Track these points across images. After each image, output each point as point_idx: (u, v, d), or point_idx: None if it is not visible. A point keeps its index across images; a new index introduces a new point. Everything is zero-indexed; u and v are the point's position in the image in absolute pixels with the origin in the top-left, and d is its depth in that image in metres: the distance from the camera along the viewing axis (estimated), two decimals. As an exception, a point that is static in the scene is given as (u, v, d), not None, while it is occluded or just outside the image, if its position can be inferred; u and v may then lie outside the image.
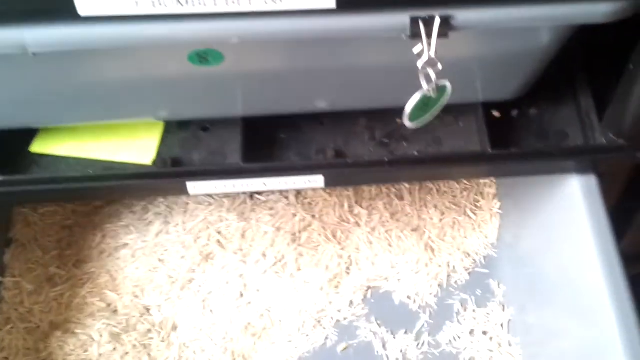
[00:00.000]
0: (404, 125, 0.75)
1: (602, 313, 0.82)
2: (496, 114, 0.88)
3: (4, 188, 0.82)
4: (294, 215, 1.11)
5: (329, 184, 0.85)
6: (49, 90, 0.76)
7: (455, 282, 1.09)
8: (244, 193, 1.10)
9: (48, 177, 0.83)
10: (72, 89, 0.76)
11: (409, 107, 0.72)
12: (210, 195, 1.10)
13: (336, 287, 1.08)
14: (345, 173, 0.86)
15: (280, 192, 1.11)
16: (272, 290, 1.07)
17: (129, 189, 0.87)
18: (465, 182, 1.14)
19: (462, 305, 1.07)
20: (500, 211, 1.12)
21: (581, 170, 0.88)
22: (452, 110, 0.87)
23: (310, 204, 1.12)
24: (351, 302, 1.07)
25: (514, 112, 0.89)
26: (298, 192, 1.10)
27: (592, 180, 0.88)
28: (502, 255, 1.11)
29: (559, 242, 0.95)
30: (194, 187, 0.83)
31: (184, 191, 0.84)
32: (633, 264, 0.87)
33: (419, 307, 1.07)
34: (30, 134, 0.86)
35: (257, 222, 1.10)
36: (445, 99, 0.73)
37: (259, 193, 1.12)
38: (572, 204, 0.89)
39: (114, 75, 0.74)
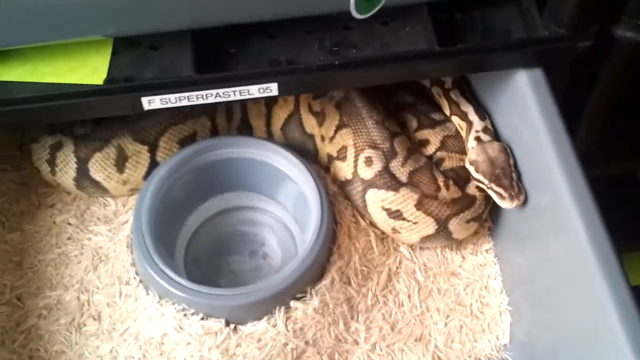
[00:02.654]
0: (352, 33, 0.79)
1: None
2: (442, 17, 0.90)
3: None
4: (285, 344, 0.96)
5: (283, 91, 0.87)
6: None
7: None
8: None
9: (2, 98, 0.83)
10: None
11: None
12: (189, 334, 0.96)
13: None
14: (297, 79, 0.87)
15: (267, 319, 0.97)
16: None
17: (84, 106, 0.86)
18: (467, 276, 1.08)
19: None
20: (509, 307, 1.05)
21: (527, 63, 0.92)
22: (399, 17, 0.89)
23: (301, 328, 0.97)
24: None
25: (458, 15, 0.91)
26: (287, 317, 0.97)
27: (538, 72, 0.92)
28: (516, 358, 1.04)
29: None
30: (149, 101, 0.84)
31: (138, 107, 0.84)
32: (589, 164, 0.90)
33: None
34: None
35: (245, 358, 0.95)
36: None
37: (241, 325, 0.97)
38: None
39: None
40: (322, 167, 1.12)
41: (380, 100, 1.07)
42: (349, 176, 1.06)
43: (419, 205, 1.01)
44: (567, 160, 0.86)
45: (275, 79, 0.86)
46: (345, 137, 1.06)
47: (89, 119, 1.04)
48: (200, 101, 0.86)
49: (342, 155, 1.06)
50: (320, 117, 1.08)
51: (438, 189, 1.03)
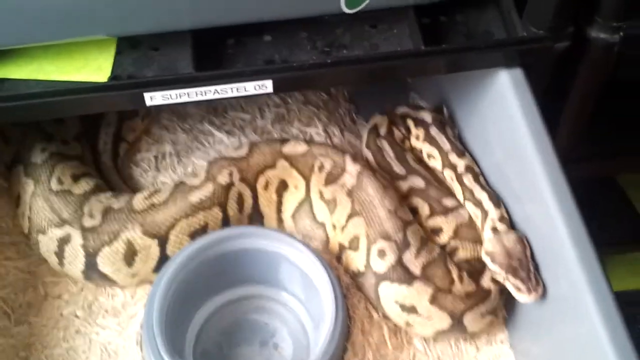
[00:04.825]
0: (343, 35, 0.91)
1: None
2: (426, 20, 0.96)
3: None
4: None
5: (277, 88, 0.92)
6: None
7: None
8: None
9: (10, 94, 0.88)
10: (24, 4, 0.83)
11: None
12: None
13: None
14: (291, 77, 0.92)
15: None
16: None
17: (89, 102, 0.90)
18: None
19: None
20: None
21: (508, 62, 0.97)
22: (386, 20, 0.96)
23: None
24: None
25: (443, 18, 0.97)
26: None
27: (518, 72, 0.97)
28: None
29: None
30: (151, 97, 0.89)
31: (141, 102, 0.89)
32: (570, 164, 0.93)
33: None
34: None
35: None
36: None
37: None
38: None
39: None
40: (333, 256, 1.08)
41: (392, 186, 1.08)
42: (362, 268, 1.03)
43: (433, 300, 0.98)
44: (554, 173, 0.91)
45: (270, 76, 0.90)
46: (358, 227, 1.04)
47: (99, 210, 1.04)
48: (200, 97, 0.90)
49: (354, 245, 1.04)
50: (332, 204, 1.07)
51: (452, 282, 1.00)
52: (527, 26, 0.94)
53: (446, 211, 1.08)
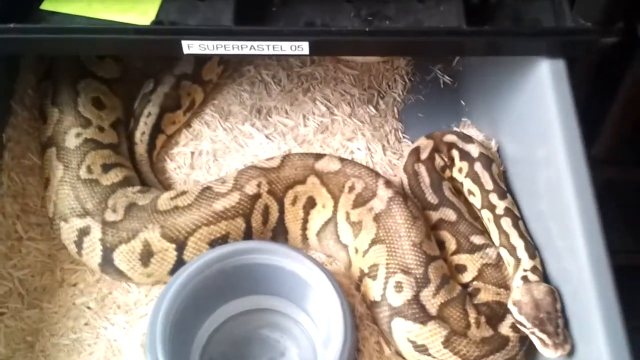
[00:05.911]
0: (389, 7, 0.90)
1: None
2: (475, 0, 0.95)
3: (15, 34, 0.91)
4: None
5: (313, 51, 0.93)
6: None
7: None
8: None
9: (55, 27, 0.92)
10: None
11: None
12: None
13: None
14: (328, 41, 0.94)
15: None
16: None
17: (128, 43, 0.94)
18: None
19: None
20: None
21: (551, 52, 0.96)
22: None
23: None
24: None
25: (493, 0, 0.96)
26: None
27: (560, 64, 0.96)
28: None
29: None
30: (188, 45, 0.91)
31: (178, 50, 0.92)
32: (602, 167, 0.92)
33: None
34: None
35: None
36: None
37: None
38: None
39: None
40: (353, 281, 1.05)
41: (422, 217, 1.04)
42: (378, 298, 0.99)
43: (446, 343, 0.95)
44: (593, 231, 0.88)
45: (307, 38, 0.92)
46: (379, 254, 1.01)
47: (123, 205, 1.03)
48: (236, 51, 0.92)
49: (373, 273, 1.01)
50: (357, 227, 1.04)
51: (468, 325, 0.96)
52: (577, 17, 0.93)
53: (473, 249, 1.04)
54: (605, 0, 0.89)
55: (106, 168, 1.08)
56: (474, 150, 1.11)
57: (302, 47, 0.91)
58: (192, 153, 1.20)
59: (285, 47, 0.91)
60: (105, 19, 0.92)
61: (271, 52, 0.92)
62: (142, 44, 0.95)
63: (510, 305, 0.96)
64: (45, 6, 0.94)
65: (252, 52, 0.92)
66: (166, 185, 1.16)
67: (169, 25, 0.92)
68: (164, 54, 1.16)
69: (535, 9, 0.96)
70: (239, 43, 0.91)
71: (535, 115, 1.00)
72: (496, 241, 1.04)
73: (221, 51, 0.92)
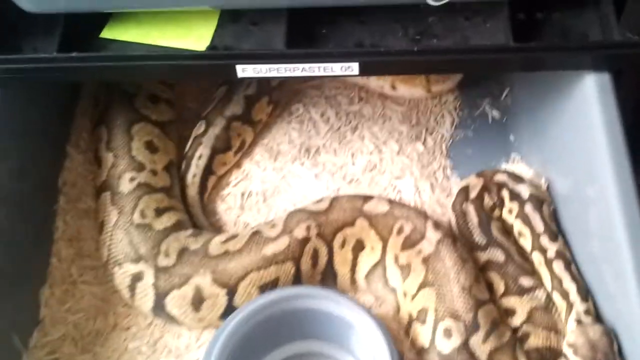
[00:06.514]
0: (435, 25, 0.92)
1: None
2: (521, 16, 0.96)
3: (77, 63, 0.94)
4: None
5: (363, 71, 0.95)
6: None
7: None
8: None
9: (115, 54, 0.95)
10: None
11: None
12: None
13: None
14: (377, 61, 0.96)
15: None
16: None
17: (185, 68, 0.98)
18: None
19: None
20: None
21: (597, 66, 0.96)
22: (481, 13, 0.97)
23: None
24: None
25: (539, 15, 0.97)
26: None
27: (606, 78, 0.96)
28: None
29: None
30: (242, 69, 0.94)
31: (233, 74, 0.95)
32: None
33: None
34: (101, 23, 0.98)
35: None
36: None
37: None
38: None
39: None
40: (402, 326, 1.05)
41: (472, 259, 1.04)
42: (427, 345, 0.99)
43: None
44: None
45: (356, 59, 0.94)
46: (428, 298, 1.00)
47: (175, 250, 1.05)
48: (288, 73, 0.95)
49: (421, 318, 1.00)
50: (406, 271, 1.04)
51: None
52: (624, 31, 0.93)
53: (522, 292, 1.03)
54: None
55: (159, 212, 1.10)
56: (524, 191, 1.10)
57: (352, 68, 0.94)
58: (242, 194, 1.21)
59: (336, 69, 0.94)
60: (163, 46, 0.96)
61: (322, 73, 0.95)
62: (198, 69, 0.98)
63: (565, 348, 0.95)
64: (104, 34, 0.97)
65: (304, 73, 0.95)
66: (217, 227, 1.17)
67: (223, 50, 0.95)
68: (220, 78, 1.21)
69: (581, 22, 0.96)
70: (291, 66, 0.94)
71: (582, 140, 1.00)
72: (548, 285, 1.03)
73: (274, 74, 0.95)
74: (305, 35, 0.95)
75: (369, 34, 0.96)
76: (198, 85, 1.31)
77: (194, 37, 0.96)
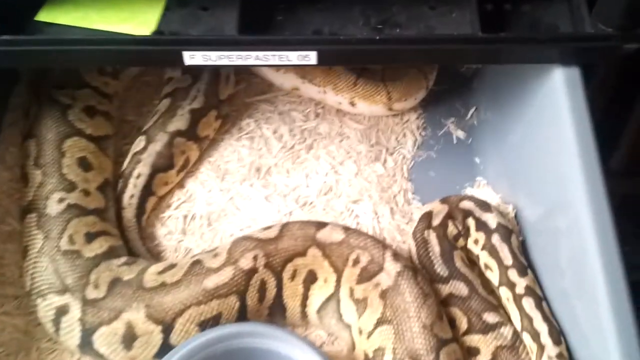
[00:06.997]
0: (399, 14, 0.88)
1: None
2: (489, 7, 0.92)
3: (9, 47, 0.88)
4: None
5: (322, 61, 0.90)
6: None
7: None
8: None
9: (51, 38, 0.89)
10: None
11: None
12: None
13: None
14: (337, 49, 0.91)
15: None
16: None
17: (127, 54, 0.92)
18: None
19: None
20: None
21: (566, 60, 0.93)
22: (447, 2, 0.94)
23: None
24: None
25: (507, 6, 0.94)
26: None
27: (575, 71, 0.92)
28: None
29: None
30: (190, 56, 0.88)
31: (179, 61, 0.89)
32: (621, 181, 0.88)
33: None
34: (37, 5, 0.92)
35: None
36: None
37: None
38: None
39: None
40: (359, 366, 0.96)
41: (434, 293, 0.95)
42: None
43: None
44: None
45: (314, 47, 0.89)
46: (385, 337, 0.92)
47: (106, 280, 0.95)
48: (240, 62, 0.89)
49: (378, 357, 0.91)
50: (362, 305, 0.95)
51: None
52: (596, 23, 0.90)
53: (486, 329, 0.95)
54: (624, 4, 0.86)
55: (90, 237, 1.00)
56: (491, 220, 1.02)
57: (310, 57, 0.89)
58: (185, 217, 1.11)
59: (292, 57, 0.89)
60: (104, 30, 0.90)
61: (277, 62, 0.89)
62: (141, 55, 0.92)
63: None
64: (40, 17, 0.91)
65: (257, 62, 0.89)
66: (155, 253, 1.07)
67: (169, 36, 0.90)
68: (165, 66, 1.13)
69: (552, 13, 0.93)
70: (244, 53, 0.88)
71: (551, 152, 0.96)
72: (517, 324, 0.95)
73: (225, 62, 0.89)
74: (260, 22, 0.90)
75: (328, 22, 0.92)
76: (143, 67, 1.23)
77: (138, 21, 0.90)
